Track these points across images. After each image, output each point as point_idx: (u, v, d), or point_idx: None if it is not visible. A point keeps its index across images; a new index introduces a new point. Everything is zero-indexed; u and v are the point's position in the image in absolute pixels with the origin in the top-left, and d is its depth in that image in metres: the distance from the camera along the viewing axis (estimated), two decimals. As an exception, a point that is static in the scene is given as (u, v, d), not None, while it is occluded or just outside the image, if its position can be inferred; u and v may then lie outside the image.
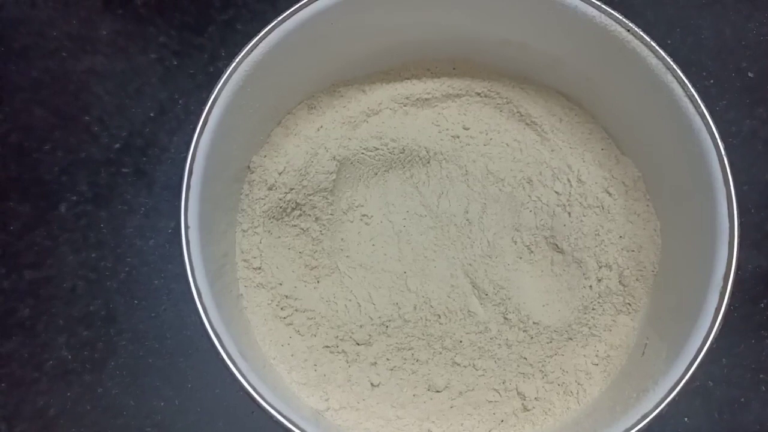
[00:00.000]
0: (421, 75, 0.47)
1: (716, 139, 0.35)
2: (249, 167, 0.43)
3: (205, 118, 0.37)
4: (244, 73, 0.38)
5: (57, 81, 0.51)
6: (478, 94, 0.46)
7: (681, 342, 0.33)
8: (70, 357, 0.44)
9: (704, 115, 0.36)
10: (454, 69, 0.47)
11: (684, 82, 0.36)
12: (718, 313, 0.33)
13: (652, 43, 0.37)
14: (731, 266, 0.33)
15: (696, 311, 0.34)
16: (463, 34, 0.44)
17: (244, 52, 0.38)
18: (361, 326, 0.41)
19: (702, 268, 0.35)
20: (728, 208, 0.34)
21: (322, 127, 0.45)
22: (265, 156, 0.44)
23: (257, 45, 0.38)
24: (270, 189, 0.43)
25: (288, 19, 0.39)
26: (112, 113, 0.50)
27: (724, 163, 0.35)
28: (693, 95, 0.36)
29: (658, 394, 0.32)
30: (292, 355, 0.40)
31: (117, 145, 0.49)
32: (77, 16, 0.52)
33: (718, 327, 0.32)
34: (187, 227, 0.35)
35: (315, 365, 0.40)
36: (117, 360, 0.44)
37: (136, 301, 0.45)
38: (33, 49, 0.51)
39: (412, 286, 0.42)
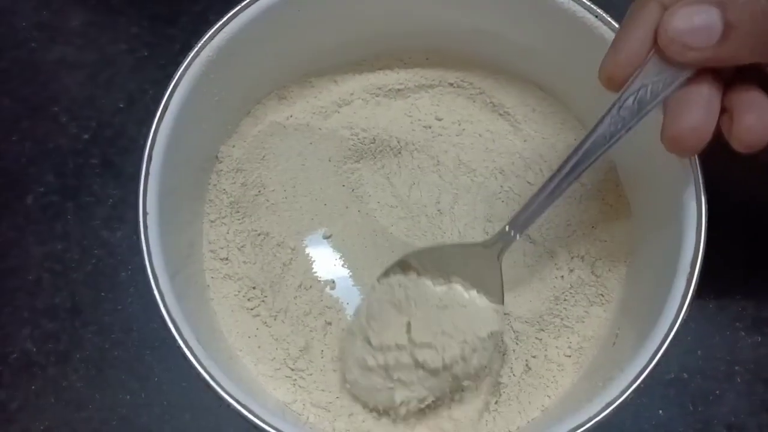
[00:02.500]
0: (393, 65, 0.46)
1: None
2: (217, 157, 0.43)
3: (165, 103, 0.36)
4: (206, 59, 0.38)
5: (25, 71, 0.50)
6: (451, 84, 0.46)
7: (649, 330, 0.33)
8: (34, 350, 0.43)
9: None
10: (427, 59, 0.46)
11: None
12: (685, 299, 0.32)
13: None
14: (698, 252, 0.33)
15: (664, 298, 0.33)
16: (436, 24, 0.43)
17: (206, 37, 0.37)
18: (330, 317, 0.41)
19: (671, 255, 0.34)
20: (696, 194, 0.34)
21: (291, 116, 0.45)
22: (233, 146, 0.43)
23: (220, 30, 0.38)
24: (238, 179, 0.42)
25: (252, 4, 0.38)
26: (81, 104, 0.49)
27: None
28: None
29: (623, 382, 0.31)
30: (258, 347, 0.40)
31: (85, 136, 0.48)
32: (47, 7, 0.52)
33: (684, 313, 0.32)
34: (145, 213, 0.34)
35: (283, 357, 0.40)
36: (82, 353, 0.43)
37: (102, 293, 0.44)
38: (1, 39, 0.51)
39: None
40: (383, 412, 0.38)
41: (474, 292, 0.37)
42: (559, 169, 0.34)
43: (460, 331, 0.35)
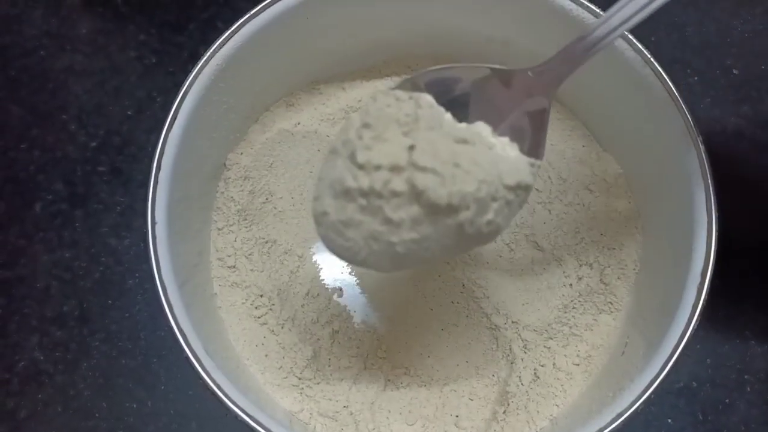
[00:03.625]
0: (402, 72, 0.46)
1: (694, 132, 0.34)
2: (225, 164, 0.43)
3: (174, 112, 0.36)
4: (216, 68, 0.38)
5: (35, 79, 0.50)
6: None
7: (659, 339, 0.33)
8: (42, 358, 0.43)
9: (683, 109, 0.35)
10: (435, 66, 0.46)
11: (662, 75, 0.35)
12: (696, 309, 0.32)
13: (630, 36, 0.36)
14: (709, 261, 0.32)
15: (674, 308, 0.33)
16: (445, 31, 0.43)
17: (215, 45, 0.37)
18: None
19: (681, 264, 0.34)
20: (707, 203, 0.34)
21: (299, 123, 0.45)
22: (241, 153, 0.43)
23: (229, 39, 0.38)
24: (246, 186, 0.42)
25: (261, 13, 0.38)
26: (90, 112, 0.49)
27: (703, 158, 0.34)
28: (671, 89, 0.35)
29: (634, 393, 0.31)
30: (266, 356, 0.40)
31: (93, 144, 0.48)
32: (56, 15, 0.52)
33: (695, 323, 0.32)
34: (154, 223, 0.34)
35: (291, 366, 0.39)
36: (89, 361, 0.43)
37: (110, 301, 0.44)
38: (11, 48, 0.51)
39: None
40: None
41: (505, 139, 0.27)
42: None
43: (480, 167, 0.26)
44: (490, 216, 0.26)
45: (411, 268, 0.28)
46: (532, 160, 0.28)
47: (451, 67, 0.31)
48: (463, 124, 0.27)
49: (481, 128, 0.27)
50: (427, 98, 0.27)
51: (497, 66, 0.30)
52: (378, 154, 0.26)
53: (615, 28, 0.29)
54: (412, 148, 0.26)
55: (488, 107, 0.29)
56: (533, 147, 0.28)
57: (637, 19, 0.29)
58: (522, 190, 0.27)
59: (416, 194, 0.25)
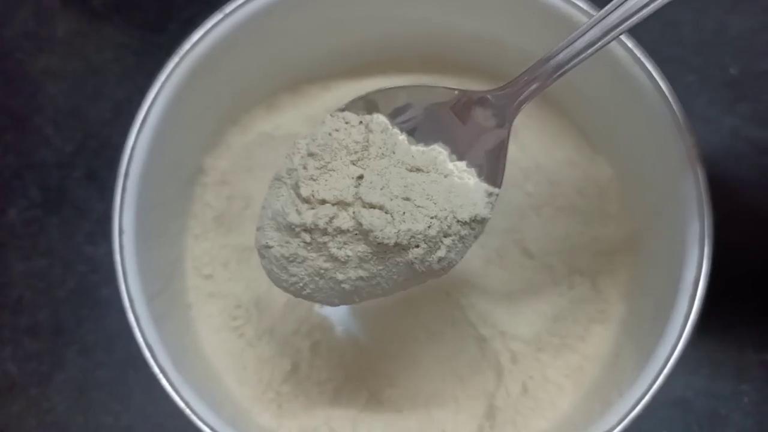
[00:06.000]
0: (389, 72, 0.45)
1: (685, 133, 0.33)
2: (202, 169, 0.41)
3: (144, 115, 0.35)
4: (190, 68, 0.36)
5: (10, 82, 0.49)
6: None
7: (650, 351, 0.31)
8: (15, 370, 0.42)
9: (673, 109, 0.33)
10: (424, 66, 0.45)
11: (651, 74, 0.34)
12: (688, 319, 0.30)
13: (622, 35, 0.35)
14: (701, 269, 0.31)
15: (667, 317, 0.32)
16: (433, 30, 0.42)
17: (189, 45, 0.36)
18: (318, 336, 0.39)
19: (674, 271, 0.33)
20: (699, 209, 0.32)
21: (280, 126, 0.43)
22: (219, 157, 0.42)
23: (203, 38, 0.36)
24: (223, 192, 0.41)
25: (238, 10, 0.37)
26: (67, 115, 0.48)
27: (695, 160, 0.33)
28: (661, 88, 0.34)
29: (624, 408, 0.30)
30: (243, 369, 0.38)
31: (69, 148, 0.47)
32: (33, 16, 0.51)
33: (687, 335, 0.30)
34: (121, 232, 0.33)
35: (269, 380, 0.38)
36: (64, 373, 0.42)
37: (85, 311, 0.43)
38: (-14, 50, 0.49)
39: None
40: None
41: (462, 164, 0.27)
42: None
43: (431, 202, 0.25)
44: (441, 253, 0.25)
45: (363, 301, 0.27)
46: (491, 188, 0.26)
47: (407, 87, 0.29)
48: (419, 147, 0.26)
49: (438, 152, 0.26)
50: (380, 119, 0.26)
51: (455, 88, 0.28)
52: (323, 188, 0.25)
53: (580, 52, 0.27)
54: (360, 177, 0.25)
55: (445, 129, 0.27)
56: (491, 174, 0.27)
57: (604, 41, 0.27)
58: (477, 223, 0.26)
59: (363, 232, 0.24)
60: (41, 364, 0.42)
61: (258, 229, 0.27)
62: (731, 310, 0.43)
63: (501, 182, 0.27)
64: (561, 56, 0.27)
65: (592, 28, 0.27)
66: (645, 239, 0.39)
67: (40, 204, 0.45)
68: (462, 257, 0.27)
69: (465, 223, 0.25)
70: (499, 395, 0.38)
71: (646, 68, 0.34)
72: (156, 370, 0.30)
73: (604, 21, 0.27)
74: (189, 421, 0.31)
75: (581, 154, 0.42)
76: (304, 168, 0.25)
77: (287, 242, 0.26)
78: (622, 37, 0.35)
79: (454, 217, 0.25)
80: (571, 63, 0.28)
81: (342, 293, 0.26)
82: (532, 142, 0.43)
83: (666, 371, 0.30)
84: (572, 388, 0.38)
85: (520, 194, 0.42)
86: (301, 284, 0.26)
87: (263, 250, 0.27)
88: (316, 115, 0.44)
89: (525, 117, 0.43)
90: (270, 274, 0.27)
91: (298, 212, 0.25)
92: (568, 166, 0.42)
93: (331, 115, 0.27)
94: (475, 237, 0.27)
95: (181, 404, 0.30)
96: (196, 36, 0.36)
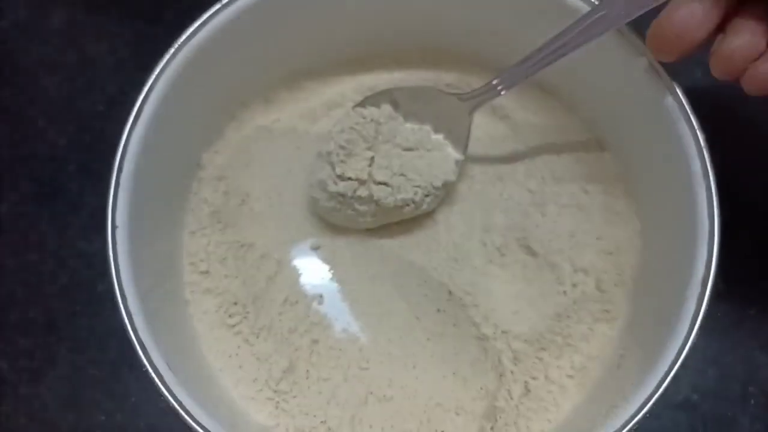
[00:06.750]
0: (388, 65, 0.44)
1: (695, 130, 0.32)
2: (198, 164, 0.41)
3: (138, 108, 0.34)
4: (185, 61, 0.36)
5: (4, 73, 0.48)
6: (448, 85, 0.44)
7: (655, 353, 0.31)
8: (5, 367, 0.41)
9: (682, 104, 0.33)
10: (423, 59, 0.44)
11: (658, 68, 0.33)
12: (695, 321, 0.30)
13: (625, 26, 0.34)
14: (710, 269, 0.30)
15: (673, 318, 0.31)
16: (433, 23, 0.41)
17: (184, 37, 0.35)
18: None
19: (681, 271, 0.32)
20: (708, 207, 0.31)
21: (278, 120, 0.43)
22: (216, 151, 0.41)
23: (200, 30, 0.36)
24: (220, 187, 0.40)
25: (233, 2, 0.36)
26: (60, 107, 0.47)
27: (704, 157, 0.32)
28: (669, 82, 0.33)
29: (628, 411, 0.29)
30: (239, 367, 0.38)
31: (62, 141, 0.46)
32: (27, 6, 0.50)
33: (694, 336, 0.29)
34: (114, 227, 0.32)
35: (266, 378, 0.37)
36: (56, 371, 0.41)
37: (78, 307, 0.42)
38: (-22, 40, 0.49)
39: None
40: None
41: (440, 137, 0.39)
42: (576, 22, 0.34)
43: (418, 175, 0.38)
44: (424, 207, 0.39)
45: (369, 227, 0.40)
46: (458, 156, 0.39)
47: (401, 88, 0.41)
48: (415, 126, 0.39)
49: (426, 131, 0.39)
50: (387, 109, 0.39)
51: (440, 89, 0.41)
52: (349, 168, 0.37)
53: (536, 63, 0.35)
54: (372, 159, 0.38)
55: (430, 113, 0.39)
56: (459, 145, 0.39)
57: (558, 54, 0.34)
58: (447, 186, 0.39)
59: (374, 200, 0.38)
60: (32, 361, 0.42)
61: (310, 185, 0.40)
62: (740, 309, 0.42)
63: (465, 152, 0.40)
64: (515, 70, 0.37)
65: (552, 43, 0.34)
66: (651, 238, 0.38)
67: (33, 198, 0.45)
68: (435, 206, 0.40)
69: (439, 187, 0.38)
70: (501, 396, 0.37)
71: (653, 62, 0.33)
72: (149, 368, 0.29)
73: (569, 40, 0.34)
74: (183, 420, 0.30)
75: (587, 151, 0.42)
76: (337, 154, 0.38)
77: (328, 199, 0.39)
78: (628, 31, 0.34)
79: (432, 184, 0.38)
80: (534, 72, 0.36)
81: (360, 224, 0.40)
82: (537, 138, 0.42)
83: (672, 373, 0.29)
84: (575, 389, 0.37)
85: (523, 191, 0.41)
86: (336, 220, 0.40)
87: (313, 201, 0.40)
88: (314, 109, 0.43)
89: (530, 114, 0.42)
90: (319, 212, 0.41)
91: (335, 183, 0.38)
92: (573, 162, 0.41)
93: (353, 109, 0.39)
94: (446, 191, 0.40)
95: (174, 404, 0.29)
96: (192, 27, 0.36)
